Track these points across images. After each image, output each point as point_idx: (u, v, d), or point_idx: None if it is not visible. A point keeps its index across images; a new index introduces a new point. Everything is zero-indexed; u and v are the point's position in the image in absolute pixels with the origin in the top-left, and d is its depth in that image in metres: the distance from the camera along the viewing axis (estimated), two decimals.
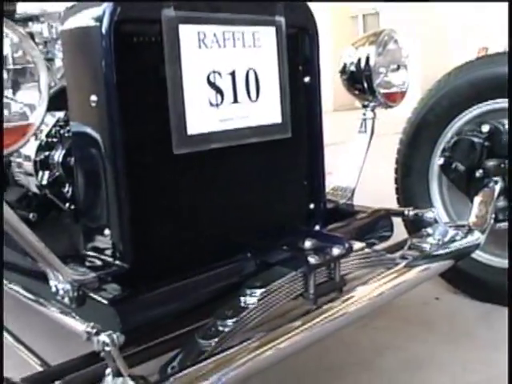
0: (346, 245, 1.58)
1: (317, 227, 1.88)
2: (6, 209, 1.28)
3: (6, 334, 1.73)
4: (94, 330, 1.24)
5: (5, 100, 1.26)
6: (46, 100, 1.28)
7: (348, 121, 2.59)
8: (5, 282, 1.75)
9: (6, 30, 1.25)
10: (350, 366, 1.94)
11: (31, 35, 2.00)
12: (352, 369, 1.92)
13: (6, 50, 1.27)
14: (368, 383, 1.84)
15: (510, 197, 2.07)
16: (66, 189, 1.72)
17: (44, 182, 1.70)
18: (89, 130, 1.52)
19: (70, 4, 1.57)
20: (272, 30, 1.70)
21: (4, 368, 1.08)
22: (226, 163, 1.63)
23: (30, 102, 1.27)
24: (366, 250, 1.69)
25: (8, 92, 1.26)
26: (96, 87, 1.46)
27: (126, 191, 1.47)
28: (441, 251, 1.85)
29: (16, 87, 1.28)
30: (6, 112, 1.25)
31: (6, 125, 1.24)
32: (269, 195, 1.75)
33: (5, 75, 1.26)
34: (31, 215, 1.84)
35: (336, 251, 1.56)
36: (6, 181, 1.94)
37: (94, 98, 1.46)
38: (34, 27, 2.00)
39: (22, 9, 1.99)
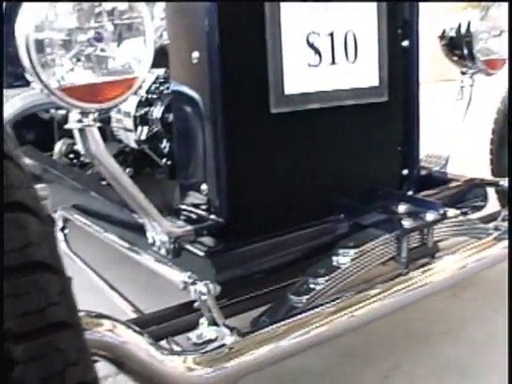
0: (441, 211, 1.57)
1: (409, 193, 1.87)
2: (111, 161, 1.32)
3: (99, 281, 1.80)
4: (191, 280, 1.28)
5: (111, 53, 1.29)
6: (151, 54, 1.31)
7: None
8: (101, 231, 1.81)
9: None
10: (435, 335, 1.93)
11: None
12: (438, 338, 1.91)
13: (113, 4, 1.30)
14: (453, 353, 1.82)
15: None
16: (164, 144, 1.76)
17: (143, 138, 1.75)
18: (189, 87, 1.55)
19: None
20: None
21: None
22: (322, 124, 1.64)
23: (136, 56, 1.30)
24: (460, 218, 1.66)
25: (114, 45, 1.30)
26: (199, 44, 1.48)
27: (223, 148, 1.50)
28: None
29: (122, 41, 1.31)
30: (112, 64, 1.29)
31: (111, 78, 1.28)
32: (363, 158, 1.75)
33: (111, 28, 1.29)
34: (127, 170, 1.90)
35: (430, 216, 1.55)
36: (104, 136, 2.00)
37: (196, 54, 1.49)
38: None
39: None
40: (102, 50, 1.28)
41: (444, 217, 1.58)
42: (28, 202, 0.79)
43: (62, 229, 2.04)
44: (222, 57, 1.46)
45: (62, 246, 2.03)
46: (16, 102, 1.97)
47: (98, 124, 1.30)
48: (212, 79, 1.47)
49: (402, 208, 1.60)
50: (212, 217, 1.54)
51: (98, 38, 1.28)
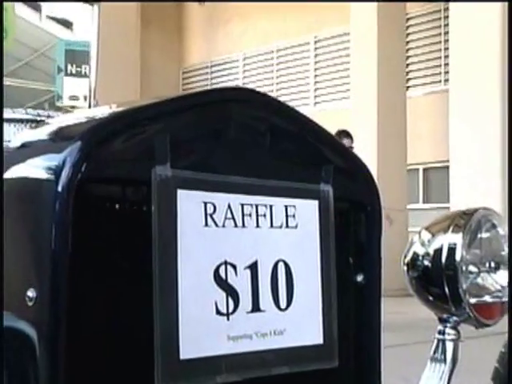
0: None
1: None
2: None
3: None
4: None
5: None
6: None
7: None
8: None
9: None
10: None
11: None
12: None
13: None
14: None
15: None
16: None
17: None
18: (23, 334, 0.97)
19: None
20: (314, 203, 1.18)
21: None
22: None
23: None
24: None
25: None
26: (36, 278, 0.95)
27: None
28: None
29: None
30: None
31: None
32: None
33: None
34: None
35: None
36: None
37: (31, 293, 0.93)
38: None
39: None
40: None
41: None
42: None
43: None
44: (73, 299, 0.91)
45: None
46: None
47: None
48: (54, 336, 0.91)
49: None
50: None
51: None
